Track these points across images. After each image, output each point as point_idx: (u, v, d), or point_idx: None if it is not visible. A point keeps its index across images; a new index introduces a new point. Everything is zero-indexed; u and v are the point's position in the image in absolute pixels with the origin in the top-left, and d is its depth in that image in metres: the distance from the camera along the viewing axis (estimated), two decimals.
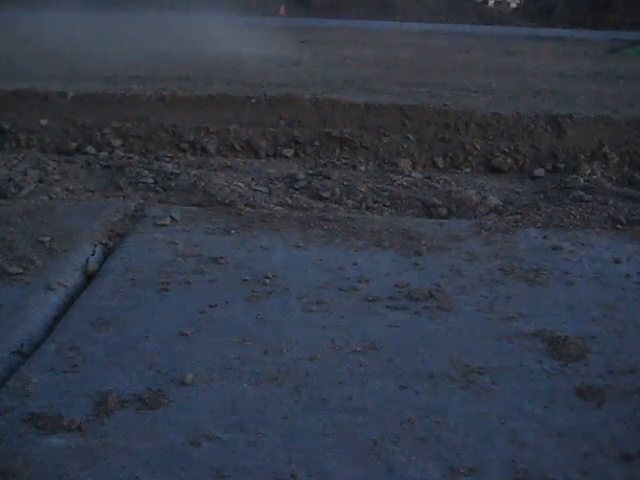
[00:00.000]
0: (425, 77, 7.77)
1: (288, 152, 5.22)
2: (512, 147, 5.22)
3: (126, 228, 3.48)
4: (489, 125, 5.44)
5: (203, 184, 4.18)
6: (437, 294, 2.84)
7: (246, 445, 1.91)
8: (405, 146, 5.24)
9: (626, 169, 5.07)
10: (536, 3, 20.75)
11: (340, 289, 2.87)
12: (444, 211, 4.09)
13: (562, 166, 5.10)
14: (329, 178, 4.48)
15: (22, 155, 4.85)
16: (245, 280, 2.91)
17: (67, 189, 4.17)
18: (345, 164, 5.01)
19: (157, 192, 4.19)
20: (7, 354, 2.32)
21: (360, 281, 2.95)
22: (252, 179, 4.44)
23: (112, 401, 2.06)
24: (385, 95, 6.20)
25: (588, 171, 4.98)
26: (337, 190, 4.28)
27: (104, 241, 3.31)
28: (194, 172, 4.49)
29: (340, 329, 2.55)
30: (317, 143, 5.28)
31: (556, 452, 1.92)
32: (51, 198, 3.98)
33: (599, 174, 4.95)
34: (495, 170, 5.10)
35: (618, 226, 3.76)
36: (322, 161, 5.06)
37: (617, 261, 3.25)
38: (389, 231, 3.53)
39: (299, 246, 3.30)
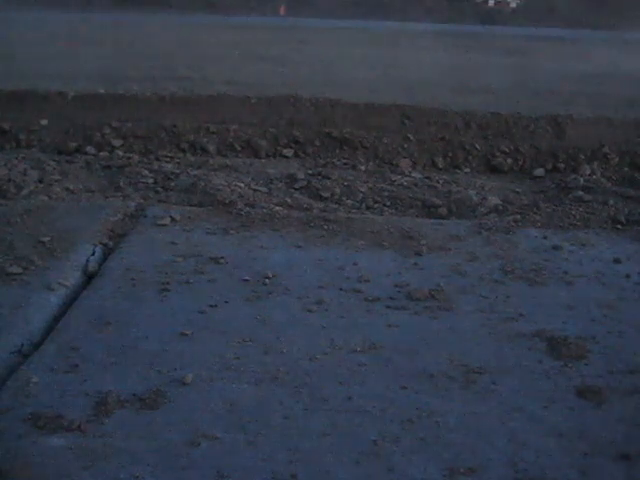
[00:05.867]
0: (425, 77, 7.77)
1: (288, 152, 5.22)
2: (512, 147, 5.22)
3: (126, 228, 3.48)
4: (489, 125, 5.44)
5: (203, 184, 4.18)
6: (437, 294, 2.84)
7: (246, 445, 1.91)
8: (405, 146, 5.24)
9: (626, 169, 5.06)
10: (536, 3, 20.74)
11: (340, 289, 2.87)
12: (444, 211, 4.09)
13: (562, 166, 5.10)
14: (329, 178, 4.48)
15: (22, 155, 4.85)
16: (245, 280, 2.92)
17: (67, 189, 4.17)
18: (345, 164, 5.01)
19: (157, 192, 4.19)
20: (7, 354, 2.32)
21: (360, 281, 2.95)
22: (252, 179, 4.44)
23: (112, 401, 2.06)
24: (385, 95, 6.20)
25: (588, 171, 4.98)
26: (337, 190, 4.28)
27: (104, 241, 3.31)
28: (194, 172, 4.49)
29: (340, 329, 2.55)
30: (317, 143, 5.28)
31: (556, 452, 1.92)
32: (51, 198, 3.98)
33: (599, 174, 4.95)
34: (495, 170, 5.10)
35: (618, 226, 3.76)
36: (322, 161, 5.06)
37: (617, 261, 3.25)
38: (389, 231, 3.53)
39: (299, 246, 3.31)
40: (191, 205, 3.93)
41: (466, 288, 2.92)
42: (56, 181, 4.28)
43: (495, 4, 22.47)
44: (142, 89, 6.02)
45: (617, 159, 5.13)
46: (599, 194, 4.37)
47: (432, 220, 3.85)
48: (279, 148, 5.26)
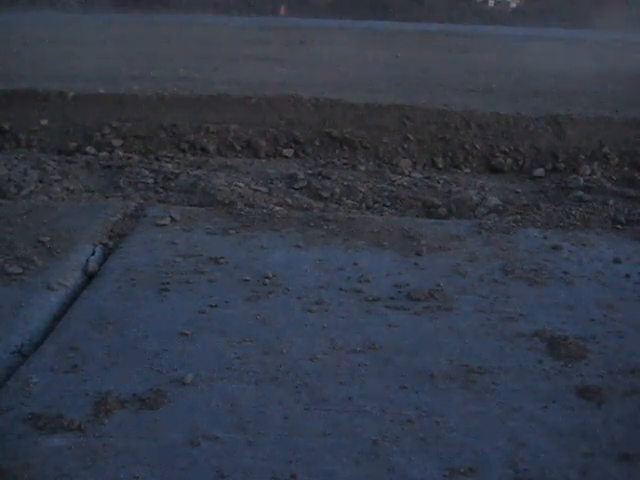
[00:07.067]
0: (425, 77, 7.77)
1: (288, 152, 5.22)
2: (512, 147, 5.22)
3: (126, 228, 3.48)
4: (489, 125, 5.44)
5: (203, 184, 4.19)
6: (437, 294, 2.84)
7: (246, 445, 1.91)
8: (405, 146, 5.25)
9: (626, 169, 5.07)
10: (536, 3, 20.75)
11: (340, 289, 2.87)
12: (444, 211, 4.09)
13: (562, 166, 5.10)
14: (329, 178, 4.48)
15: (22, 155, 4.85)
16: (245, 280, 2.92)
17: (67, 189, 4.17)
18: (345, 164, 5.01)
19: (157, 192, 4.19)
20: (7, 354, 2.32)
21: (360, 281, 2.95)
22: (252, 179, 4.44)
23: (112, 401, 2.06)
24: (385, 95, 6.20)
25: (588, 171, 4.98)
26: (337, 190, 4.28)
27: (104, 241, 3.31)
28: (194, 172, 4.49)
29: (340, 329, 2.55)
30: (317, 143, 5.28)
31: (556, 452, 1.92)
32: (51, 198, 3.98)
33: (599, 174, 4.95)
34: (495, 170, 5.10)
35: (618, 226, 3.76)
36: (322, 161, 5.06)
37: (617, 261, 3.25)
38: (389, 231, 3.53)
39: (299, 246, 3.31)
40: (191, 205, 3.93)
41: (466, 288, 2.92)
42: (56, 181, 4.28)
43: (495, 4, 22.48)
44: (142, 89, 6.03)
45: (617, 159, 5.13)
46: (599, 194, 4.37)
47: (432, 220, 3.85)
48: (279, 148, 5.26)
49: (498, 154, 5.18)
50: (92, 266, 3.03)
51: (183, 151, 5.20)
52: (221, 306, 2.69)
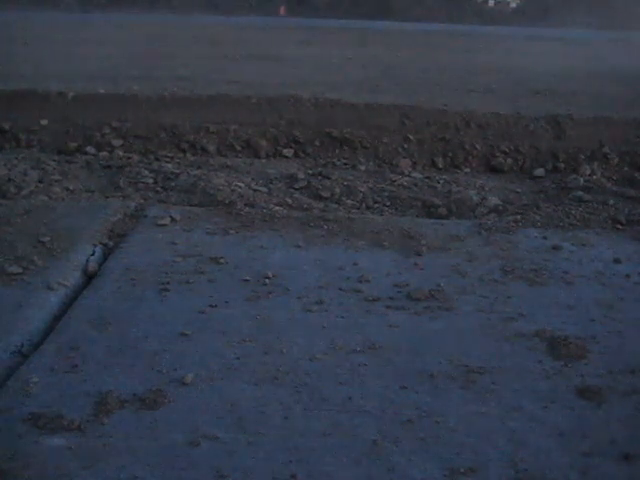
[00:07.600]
0: (425, 77, 7.77)
1: (288, 152, 5.22)
2: (512, 147, 5.22)
3: (126, 228, 3.48)
4: (489, 125, 5.44)
5: (203, 184, 4.19)
6: (437, 294, 2.84)
7: (246, 445, 1.91)
8: (405, 146, 5.24)
9: (626, 169, 5.06)
10: (536, 3, 20.74)
11: (340, 289, 2.87)
12: (444, 211, 4.09)
13: (562, 166, 5.10)
14: (329, 178, 4.48)
15: (22, 155, 4.85)
16: (245, 280, 2.92)
17: (67, 189, 4.17)
18: (345, 164, 5.01)
19: (157, 192, 4.19)
20: (7, 354, 2.32)
21: (360, 281, 2.95)
22: (252, 179, 4.44)
23: (112, 401, 2.06)
24: (385, 95, 6.20)
25: (588, 171, 4.98)
26: (337, 190, 4.28)
27: (104, 241, 3.32)
28: (194, 172, 4.49)
29: (340, 329, 2.55)
30: (317, 143, 5.28)
31: (556, 452, 1.92)
32: (51, 198, 3.98)
33: (599, 174, 4.95)
34: (495, 170, 5.10)
35: (618, 226, 3.76)
36: (322, 161, 5.06)
37: (617, 261, 3.25)
38: (389, 231, 3.53)
39: (299, 246, 3.31)
40: (191, 205, 3.93)
41: (466, 288, 2.92)
42: (56, 181, 4.28)
43: (495, 4, 22.48)
44: (142, 89, 6.03)
45: (617, 159, 5.12)
46: (599, 194, 4.37)
47: (432, 220, 3.85)
48: (279, 148, 5.26)
49: (498, 154, 5.17)
50: (92, 266, 3.03)
51: (183, 151, 5.20)
52: (221, 306, 2.69)
